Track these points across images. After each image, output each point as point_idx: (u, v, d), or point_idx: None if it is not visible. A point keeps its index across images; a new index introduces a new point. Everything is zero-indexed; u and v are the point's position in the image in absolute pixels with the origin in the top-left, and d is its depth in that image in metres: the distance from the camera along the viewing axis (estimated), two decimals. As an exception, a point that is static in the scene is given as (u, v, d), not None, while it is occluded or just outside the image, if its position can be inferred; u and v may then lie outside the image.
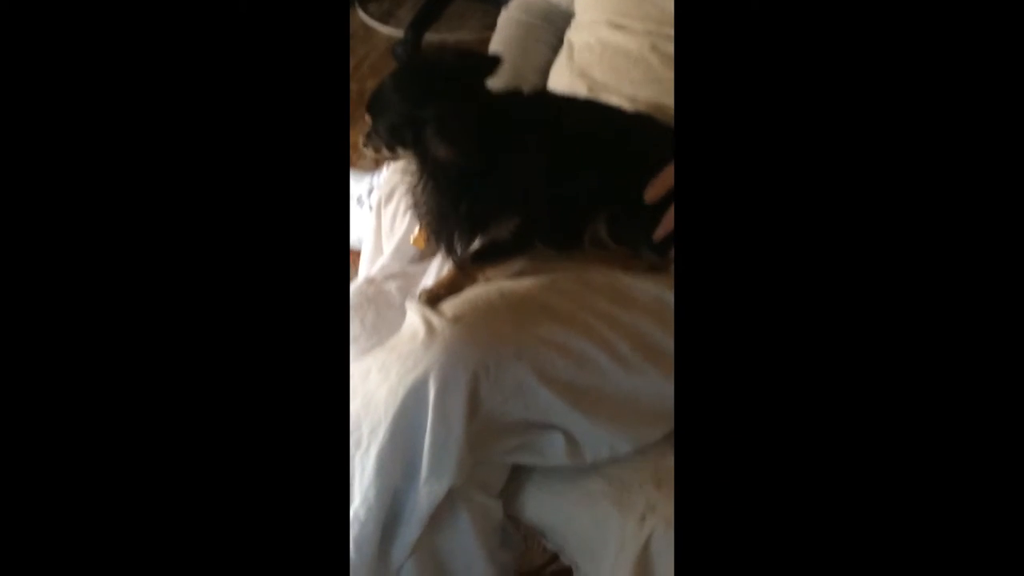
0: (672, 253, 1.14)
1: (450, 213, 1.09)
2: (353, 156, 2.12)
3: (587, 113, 1.20)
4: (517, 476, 1.15)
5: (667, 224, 1.10)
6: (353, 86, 2.46)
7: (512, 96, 1.16)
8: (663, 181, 1.09)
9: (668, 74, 1.26)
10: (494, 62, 1.14)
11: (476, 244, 1.13)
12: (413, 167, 1.09)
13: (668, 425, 1.14)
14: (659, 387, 1.10)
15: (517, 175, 1.07)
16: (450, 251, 1.12)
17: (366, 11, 2.76)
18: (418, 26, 2.60)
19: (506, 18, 1.58)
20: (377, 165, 1.97)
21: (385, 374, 1.00)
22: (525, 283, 1.09)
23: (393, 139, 1.08)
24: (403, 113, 1.06)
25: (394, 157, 1.11)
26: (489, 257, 1.14)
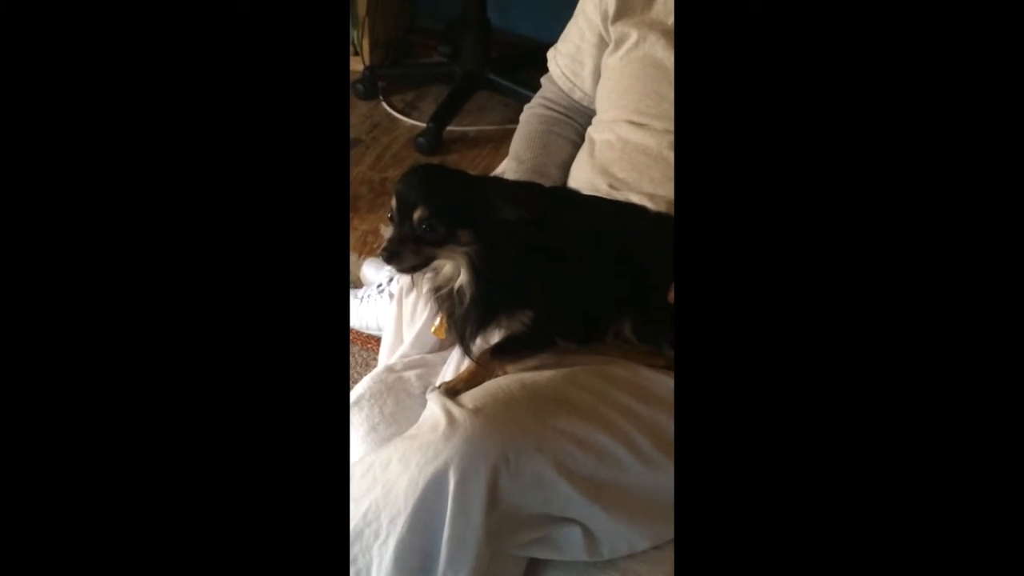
0: None
1: (480, 303, 1.09)
2: (375, 243, 2.15)
3: (611, 213, 1.22)
4: (534, 569, 1.14)
5: None
6: (375, 175, 2.49)
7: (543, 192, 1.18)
8: None
9: (688, 172, 1.29)
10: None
11: (495, 338, 1.14)
12: (455, 257, 1.06)
13: (687, 521, 1.14)
14: (678, 482, 1.10)
15: (530, 269, 1.07)
16: (465, 344, 1.13)
17: (389, 103, 2.82)
18: (440, 118, 2.65)
19: (529, 114, 1.62)
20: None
21: (405, 464, 1.00)
22: (545, 375, 1.10)
23: (455, 222, 1.04)
24: (466, 199, 1.05)
25: (425, 254, 1.06)
26: (509, 351, 1.14)
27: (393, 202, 1.04)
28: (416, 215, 1.03)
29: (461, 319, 1.11)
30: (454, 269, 1.07)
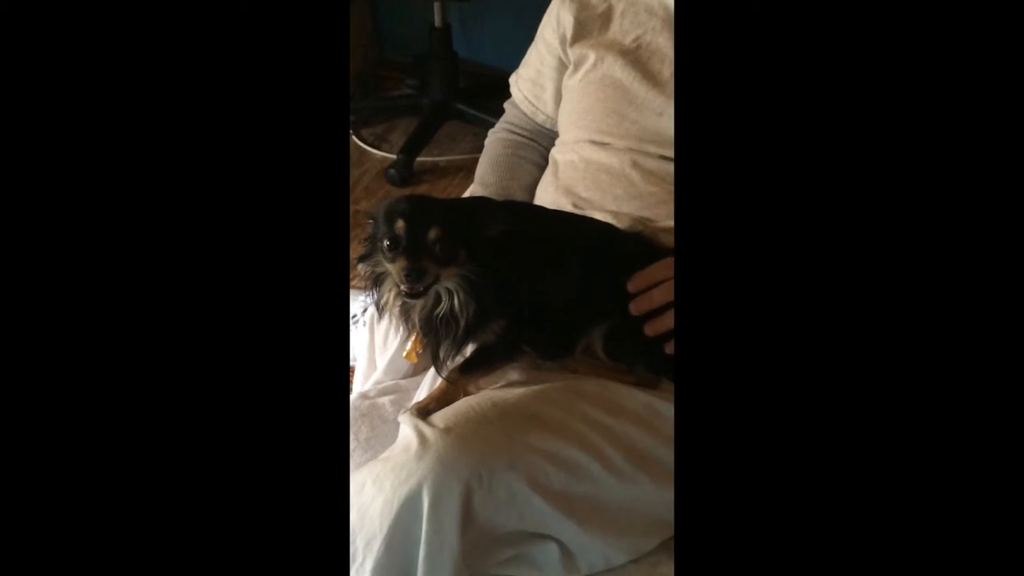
0: (665, 373, 1.17)
1: (456, 323, 1.09)
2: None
3: (575, 227, 1.24)
4: (512, 588, 1.14)
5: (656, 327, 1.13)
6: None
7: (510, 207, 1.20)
8: (644, 278, 1.13)
9: (649, 189, 1.31)
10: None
11: (466, 352, 1.15)
12: (451, 278, 1.07)
13: (662, 534, 1.14)
14: (652, 496, 1.11)
15: (491, 286, 1.08)
16: (438, 361, 1.13)
17: (359, 136, 2.84)
18: (410, 149, 2.67)
19: (493, 139, 1.64)
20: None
21: (379, 487, 1.00)
22: (516, 392, 1.11)
23: (458, 242, 1.06)
24: (457, 227, 1.06)
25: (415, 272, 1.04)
26: (479, 365, 1.15)
27: (400, 225, 1.03)
28: (432, 235, 1.03)
29: (439, 339, 1.11)
30: (446, 292, 1.07)
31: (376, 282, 1.11)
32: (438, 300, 1.08)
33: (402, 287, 1.04)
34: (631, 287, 1.14)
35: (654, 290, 1.12)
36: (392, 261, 1.05)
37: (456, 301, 1.07)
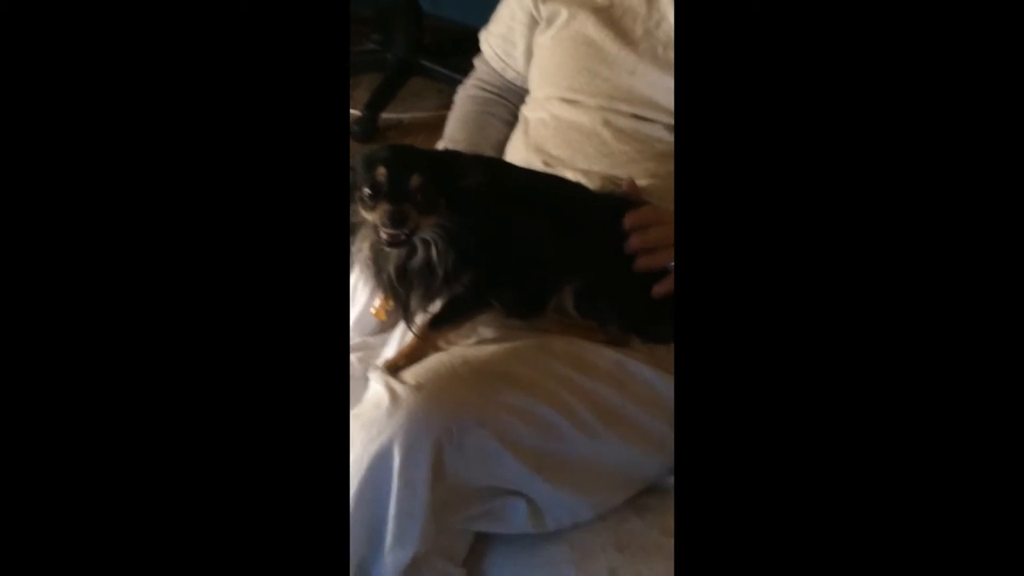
0: (636, 331, 1.18)
1: (430, 274, 1.09)
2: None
3: (547, 184, 1.24)
4: (480, 543, 1.14)
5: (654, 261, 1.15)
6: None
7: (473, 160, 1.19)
8: (639, 216, 1.14)
9: (620, 147, 1.31)
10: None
11: (435, 307, 1.14)
12: (428, 228, 1.06)
13: (629, 490, 1.16)
14: (620, 453, 1.12)
15: (470, 236, 1.08)
16: (407, 316, 1.13)
17: (322, 91, 2.81)
18: (374, 106, 2.65)
19: (463, 96, 1.62)
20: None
21: (350, 443, 1.00)
22: (487, 350, 1.11)
23: (428, 199, 1.05)
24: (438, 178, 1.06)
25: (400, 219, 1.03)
26: (447, 318, 1.15)
27: (381, 172, 1.03)
28: (414, 182, 1.03)
29: (411, 291, 1.11)
30: (422, 243, 1.07)
31: (351, 230, 1.10)
32: (413, 251, 1.07)
33: (382, 235, 1.04)
34: (627, 223, 1.14)
35: (661, 251, 1.13)
36: (372, 208, 1.04)
37: (434, 251, 1.07)
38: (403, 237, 1.04)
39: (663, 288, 1.14)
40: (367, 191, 1.03)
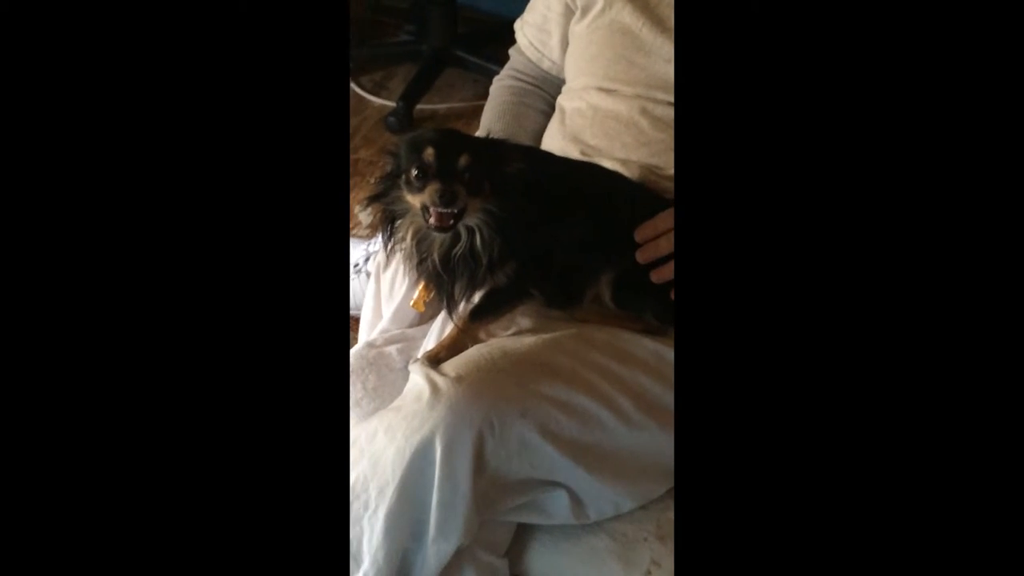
0: (672, 321, 1.17)
1: (474, 262, 1.09)
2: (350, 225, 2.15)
3: (585, 173, 1.24)
4: (522, 535, 1.15)
5: (662, 274, 1.13)
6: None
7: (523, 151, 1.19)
8: (651, 227, 1.13)
9: (658, 136, 1.30)
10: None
11: (476, 298, 1.14)
12: (474, 213, 1.06)
13: (670, 480, 1.15)
14: (660, 442, 1.12)
15: (515, 222, 1.08)
16: (451, 305, 1.13)
17: (358, 83, 2.81)
18: (409, 97, 2.65)
19: (498, 87, 1.62)
20: (373, 232, 1.99)
21: (391, 435, 1.01)
22: (526, 341, 1.11)
23: (476, 181, 1.05)
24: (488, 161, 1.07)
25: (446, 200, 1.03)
26: (488, 309, 1.15)
27: (429, 153, 1.03)
28: (463, 161, 1.03)
29: (455, 279, 1.11)
30: (466, 230, 1.07)
31: (391, 220, 1.10)
32: (457, 238, 1.07)
33: (431, 219, 1.03)
34: (638, 236, 1.14)
35: (661, 238, 1.12)
36: (421, 190, 1.03)
37: (479, 238, 1.06)
38: (452, 219, 1.03)
39: (661, 275, 1.14)
40: (415, 172, 1.03)
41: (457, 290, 1.11)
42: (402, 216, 1.09)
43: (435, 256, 1.09)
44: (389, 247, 1.12)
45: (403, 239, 1.10)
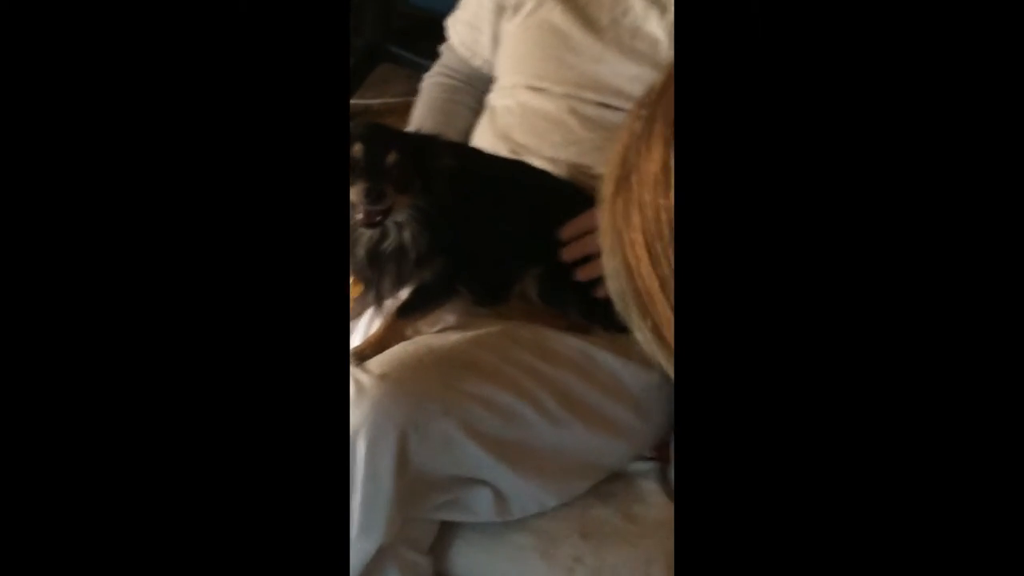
0: (598, 319, 1.18)
1: (402, 258, 1.09)
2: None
3: (514, 170, 1.24)
4: (446, 532, 1.15)
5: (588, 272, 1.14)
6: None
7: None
8: (576, 226, 1.13)
9: (587, 135, 1.31)
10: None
11: (403, 294, 1.14)
12: (402, 209, 1.06)
13: (594, 477, 1.16)
14: (584, 440, 1.13)
15: (443, 218, 1.08)
16: (378, 301, 1.13)
17: (289, 77, 2.79)
18: (341, 91, 2.63)
19: (429, 83, 1.62)
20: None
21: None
22: (451, 338, 1.11)
23: (404, 178, 1.05)
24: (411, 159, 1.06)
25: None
26: (416, 306, 1.15)
27: (356, 149, 1.02)
28: (391, 158, 1.03)
29: (382, 274, 1.11)
30: (395, 226, 1.07)
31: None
32: (385, 234, 1.07)
33: (358, 215, 1.03)
34: (564, 234, 1.14)
35: (587, 237, 1.13)
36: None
37: (407, 233, 1.07)
38: (379, 217, 1.03)
39: (603, 292, 1.14)
40: None
41: (385, 285, 1.11)
42: None
43: (362, 251, 1.08)
44: None
45: None
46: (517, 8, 1.42)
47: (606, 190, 0.74)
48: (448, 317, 1.18)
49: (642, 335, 0.72)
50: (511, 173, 1.23)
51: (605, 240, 0.76)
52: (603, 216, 0.75)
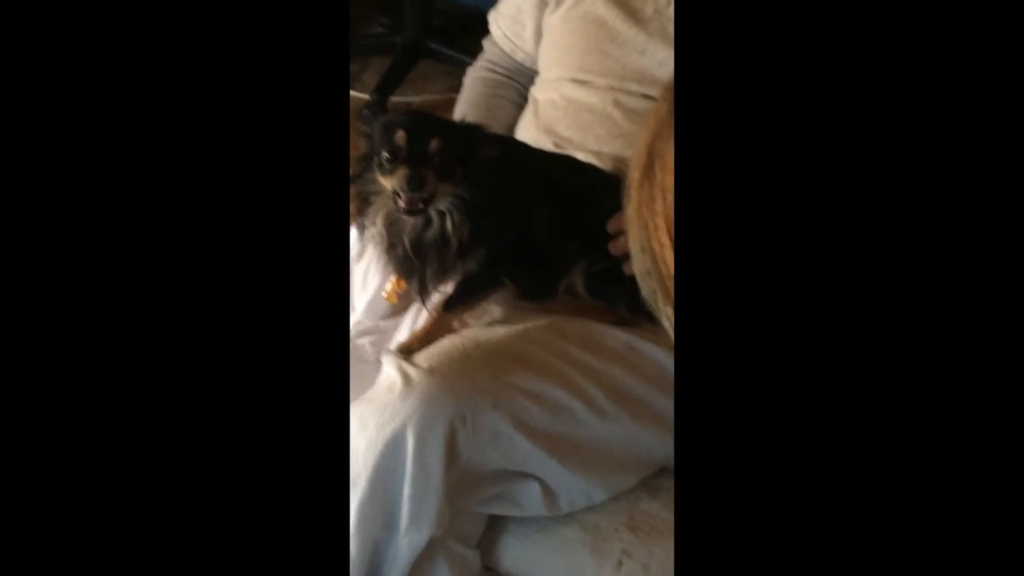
0: (645, 313, 1.17)
1: (445, 247, 1.09)
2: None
3: (559, 164, 1.24)
4: (494, 526, 1.15)
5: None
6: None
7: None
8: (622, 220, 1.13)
9: (631, 128, 1.30)
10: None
11: (448, 288, 1.14)
12: (444, 198, 1.06)
13: (642, 471, 1.16)
14: (632, 434, 1.12)
15: (486, 208, 1.08)
16: (423, 292, 1.13)
17: (331, 75, 2.80)
18: (384, 89, 2.64)
19: (472, 78, 1.62)
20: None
21: (363, 427, 1.00)
22: (499, 332, 1.11)
23: (455, 156, 1.06)
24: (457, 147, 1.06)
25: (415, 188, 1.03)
26: (461, 299, 1.15)
27: (400, 136, 1.03)
28: (433, 145, 1.03)
29: (426, 264, 1.11)
30: (437, 215, 1.07)
31: (365, 202, 1.10)
32: (428, 222, 1.07)
33: (400, 199, 1.03)
34: (611, 227, 1.13)
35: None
36: (391, 172, 1.03)
37: (449, 222, 1.06)
38: (421, 203, 1.03)
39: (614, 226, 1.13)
40: (385, 155, 1.03)
41: (428, 276, 1.11)
42: (375, 199, 1.09)
43: (405, 240, 1.08)
44: (362, 232, 1.12)
45: (374, 223, 1.09)
46: (560, 1, 1.42)
47: (632, 177, 0.73)
48: (494, 310, 1.18)
49: (667, 320, 0.72)
50: (556, 166, 1.22)
51: (631, 227, 0.75)
52: (630, 202, 0.74)
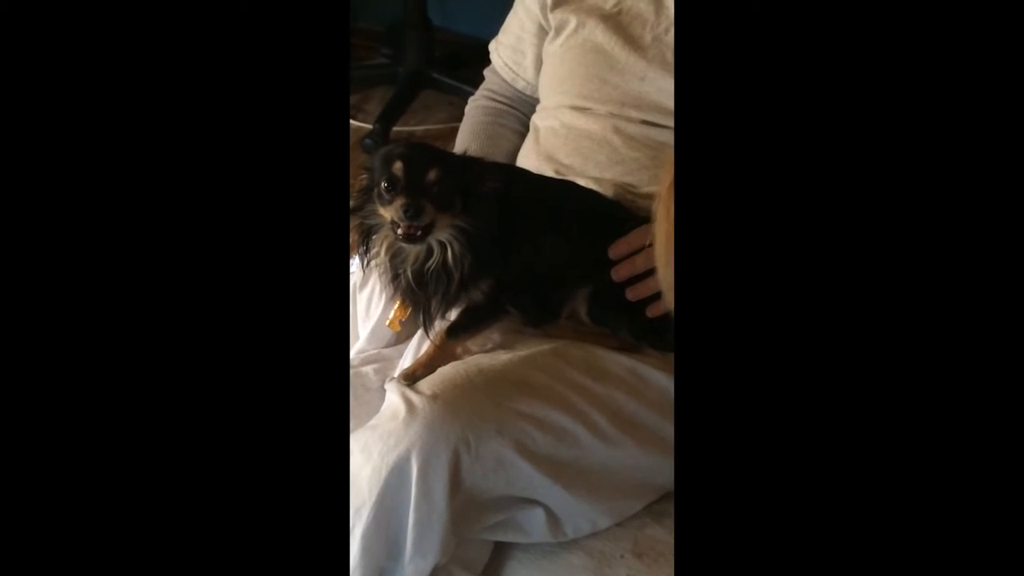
0: (648, 339, 1.17)
1: (448, 278, 1.09)
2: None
3: (561, 190, 1.25)
4: (499, 553, 1.15)
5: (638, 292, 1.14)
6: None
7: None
8: (625, 244, 1.13)
9: (631, 154, 1.31)
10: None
11: (452, 315, 1.15)
12: (445, 229, 1.06)
13: (647, 497, 1.15)
14: (636, 459, 1.12)
15: (487, 240, 1.08)
16: (427, 322, 1.13)
17: (334, 106, 2.82)
18: (386, 119, 2.66)
19: (473, 107, 1.63)
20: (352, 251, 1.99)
21: (367, 454, 1.00)
22: (502, 358, 1.11)
23: (455, 188, 1.06)
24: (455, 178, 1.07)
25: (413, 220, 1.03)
26: (465, 326, 1.15)
27: (398, 166, 1.04)
28: (431, 176, 1.04)
29: (429, 295, 1.11)
30: (439, 245, 1.07)
31: (367, 235, 1.10)
32: (430, 253, 1.07)
33: (399, 230, 1.04)
34: (613, 253, 1.14)
35: (636, 256, 1.13)
36: (389, 203, 1.04)
37: (450, 253, 1.07)
38: (419, 232, 1.04)
39: (656, 311, 1.14)
40: (384, 185, 1.04)
41: (433, 306, 1.12)
42: (377, 230, 1.09)
43: (408, 271, 1.09)
44: (365, 263, 1.12)
45: (378, 254, 1.10)
46: (559, 29, 1.43)
47: (659, 206, 0.74)
48: (497, 337, 1.18)
49: None
50: (558, 193, 1.23)
51: (660, 255, 0.76)
52: (658, 231, 0.75)
